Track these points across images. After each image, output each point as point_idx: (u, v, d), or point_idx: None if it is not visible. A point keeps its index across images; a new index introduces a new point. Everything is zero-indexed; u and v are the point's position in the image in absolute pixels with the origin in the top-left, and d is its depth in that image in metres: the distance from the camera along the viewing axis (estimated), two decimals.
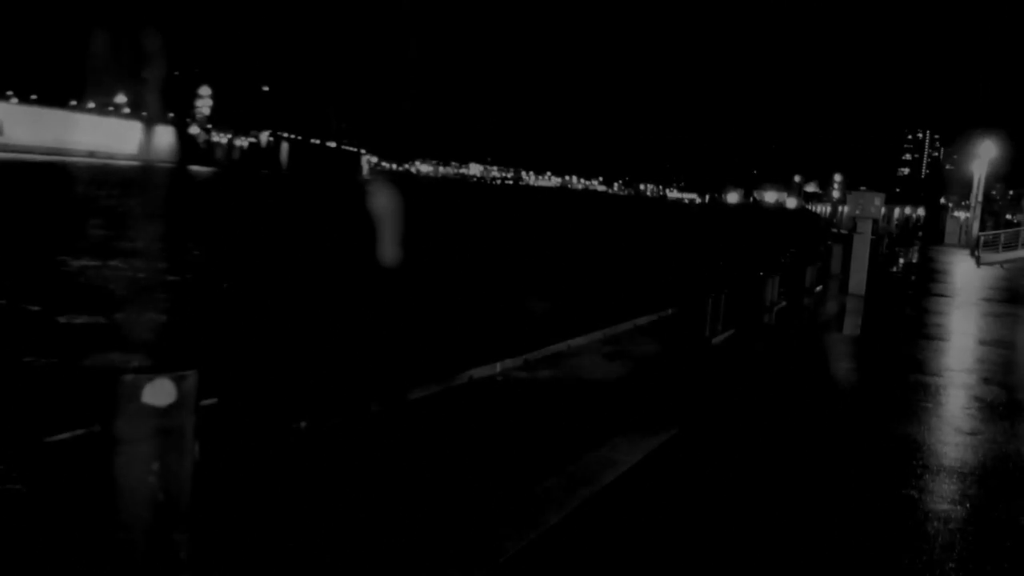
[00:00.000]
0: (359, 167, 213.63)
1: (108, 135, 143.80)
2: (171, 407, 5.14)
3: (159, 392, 5.09)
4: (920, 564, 7.01)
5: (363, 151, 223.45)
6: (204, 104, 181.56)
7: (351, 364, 14.04)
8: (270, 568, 6.02)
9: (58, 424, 6.70)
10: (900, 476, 9.23)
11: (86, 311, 22.26)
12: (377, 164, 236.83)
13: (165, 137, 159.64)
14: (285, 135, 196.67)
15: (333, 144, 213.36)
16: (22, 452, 7.19)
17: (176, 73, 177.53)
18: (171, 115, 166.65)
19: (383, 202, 10.76)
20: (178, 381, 5.22)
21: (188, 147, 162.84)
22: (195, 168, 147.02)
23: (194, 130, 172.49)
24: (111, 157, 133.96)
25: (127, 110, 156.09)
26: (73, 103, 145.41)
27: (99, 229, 42.05)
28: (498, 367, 12.50)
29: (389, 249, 8.95)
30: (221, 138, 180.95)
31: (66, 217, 46.63)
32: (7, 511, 5.70)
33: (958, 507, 8.41)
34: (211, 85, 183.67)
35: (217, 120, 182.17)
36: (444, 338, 18.38)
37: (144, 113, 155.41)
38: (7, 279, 26.00)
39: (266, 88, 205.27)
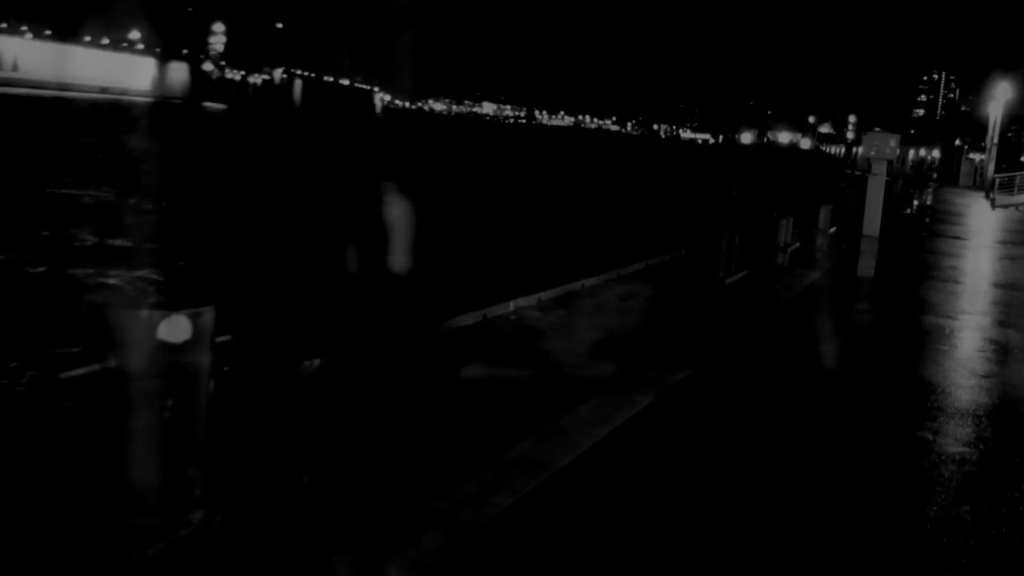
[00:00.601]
0: (372, 105, 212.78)
1: (122, 71, 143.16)
2: (186, 344, 5.13)
3: (175, 329, 5.08)
4: (935, 506, 7.01)
5: (376, 88, 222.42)
6: (218, 40, 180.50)
7: (367, 303, 14.04)
8: (282, 504, 6.04)
9: (71, 359, 6.69)
10: (914, 418, 9.21)
11: (93, 249, 22.29)
12: (390, 102, 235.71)
13: (178, 73, 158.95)
14: (298, 72, 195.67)
15: (346, 82, 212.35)
16: (35, 387, 7.20)
17: (190, 9, 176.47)
18: (185, 51, 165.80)
19: (398, 213, 10.82)
20: (194, 318, 5.20)
21: (201, 83, 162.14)
22: (208, 104, 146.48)
23: (207, 66, 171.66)
24: (124, 93, 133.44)
25: (141, 46, 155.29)
26: (87, 39, 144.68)
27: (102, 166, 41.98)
28: (511, 306, 12.48)
29: (400, 256, 9.03)
30: (234, 75, 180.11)
31: (71, 151, 46.50)
32: (20, 447, 5.71)
33: (973, 449, 8.39)
34: (225, 22, 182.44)
35: (230, 57, 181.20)
36: (458, 276, 18.36)
37: (158, 49, 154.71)
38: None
39: (280, 25, 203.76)
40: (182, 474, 5.26)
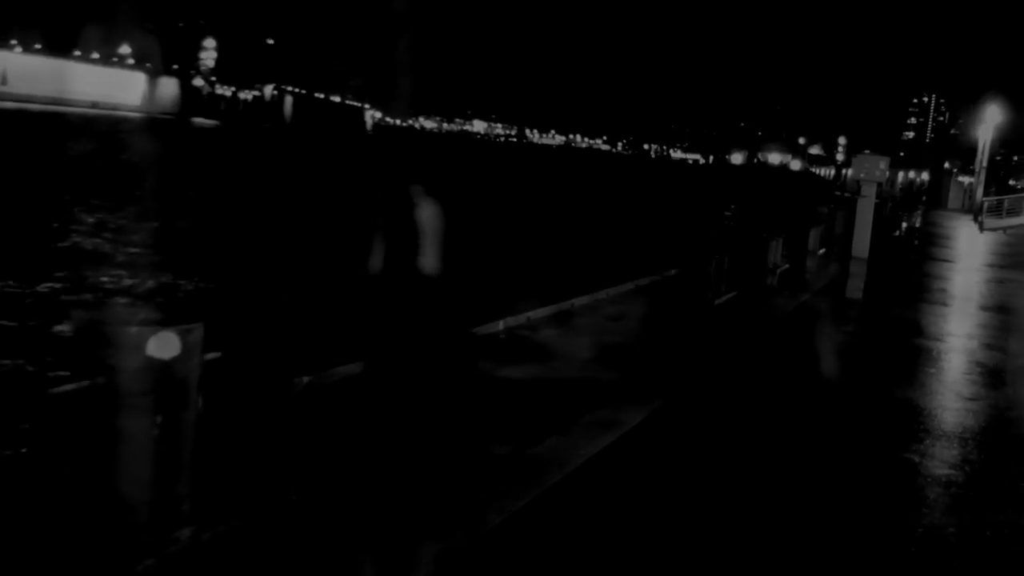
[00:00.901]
0: (362, 122, 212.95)
1: (112, 86, 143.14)
2: (175, 360, 5.14)
3: (164, 345, 5.09)
4: (921, 528, 7.03)
5: (367, 106, 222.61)
6: (208, 56, 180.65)
7: (360, 319, 14.02)
8: (272, 520, 6.04)
9: (61, 376, 6.70)
10: (901, 440, 9.24)
11: (85, 263, 22.28)
12: (381, 119, 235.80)
13: (169, 89, 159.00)
14: (289, 89, 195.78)
15: (337, 99, 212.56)
16: (25, 405, 7.19)
17: (181, 25, 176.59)
18: (175, 67, 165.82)
19: (428, 216, 10.77)
20: (183, 334, 5.22)
21: (192, 99, 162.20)
22: (198, 120, 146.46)
23: (198, 82, 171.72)
24: (115, 108, 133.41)
25: (131, 61, 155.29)
26: (77, 53, 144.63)
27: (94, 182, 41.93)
28: (501, 325, 12.49)
29: (429, 261, 9.09)
30: (225, 91, 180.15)
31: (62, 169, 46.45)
32: (10, 464, 5.71)
33: (959, 472, 8.43)
34: (216, 38, 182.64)
35: (221, 73, 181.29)
36: (449, 294, 18.33)
37: (148, 64, 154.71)
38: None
39: (271, 41, 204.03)
40: (171, 491, 5.27)
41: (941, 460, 8.74)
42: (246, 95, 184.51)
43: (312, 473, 6.79)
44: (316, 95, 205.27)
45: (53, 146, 59.22)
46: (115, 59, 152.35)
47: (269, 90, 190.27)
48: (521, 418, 8.79)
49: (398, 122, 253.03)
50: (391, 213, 9.77)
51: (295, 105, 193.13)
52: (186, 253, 25.13)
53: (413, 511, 6.47)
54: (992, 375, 12.96)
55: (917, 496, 7.73)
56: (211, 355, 5.82)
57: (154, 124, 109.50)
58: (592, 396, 9.50)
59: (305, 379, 8.75)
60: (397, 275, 9.73)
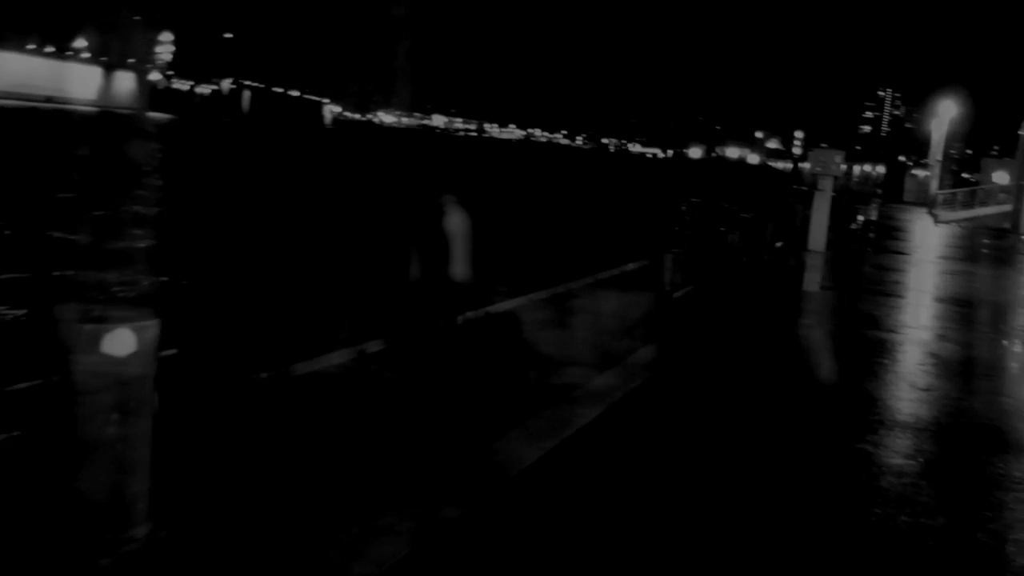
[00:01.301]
0: (321, 116, 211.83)
1: (67, 80, 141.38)
2: (130, 358, 5.11)
3: (118, 342, 5.06)
4: (874, 518, 7.12)
5: (326, 100, 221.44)
6: (165, 50, 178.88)
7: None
8: (228, 518, 6.02)
9: (16, 373, 6.65)
10: (855, 432, 9.35)
11: (46, 259, 22.02)
12: (340, 114, 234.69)
13: (125, 83, 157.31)
14: (247, 83, 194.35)
15: (296, 93, 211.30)
16: None
17: (137, 19, 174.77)
18: (131, 61, 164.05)
19: (457, 221, 10.77)
20: (138, 332, 5.19)
21: (148, 93, 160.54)
22: (155, 114, 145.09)
23: (155, 76, 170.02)
24: (69, 102, 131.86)
25: (87, 55, 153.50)
26: (31, 47, 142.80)
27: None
28: (459, 321, 12.49)
29: (461, 266, 9.15)
30: (182, 85, 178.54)
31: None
32: None
33: (912, 462, 8.54)
34: (172, 31, 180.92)
35: (178, 67, 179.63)
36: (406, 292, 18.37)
37: (104, 58, 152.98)
38: None
39: (229, 35, 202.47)
40: (128, 489, 5.24)
41: (894, 450, 8.84)
42: (204, 89, 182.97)
43: (277, 464, 6.78)
44: (274, 89, 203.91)
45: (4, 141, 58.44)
46: (70, 53, 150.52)
47: (227, 84, 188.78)
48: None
49: (358, 116, 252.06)
50: (423, 220, 9.95)
51: (253, 100, 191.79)
52: (160, 250, 24.89)
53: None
54: (945, 365, 13.13)
55: (871, 486, 7.83)
56: (167, 351, 5.80)
57: (109, 118, 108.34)
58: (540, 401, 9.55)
59: (264, 375, 8.75)
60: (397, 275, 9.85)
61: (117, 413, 5.11)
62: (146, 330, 5.22)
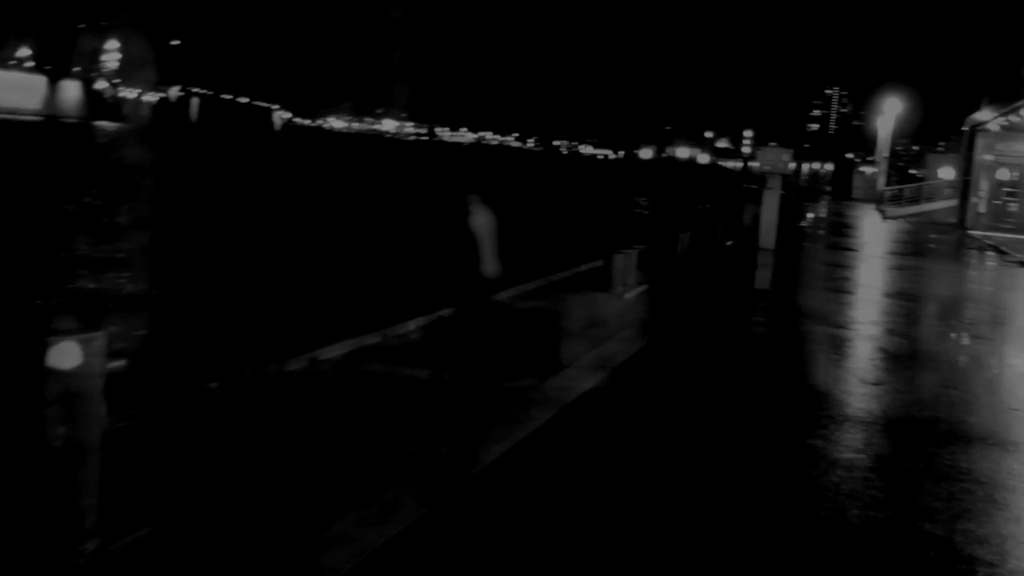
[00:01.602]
0: (271, 122, 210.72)
1: (10, 89, 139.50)
2: (77, 371, 5.06)
3: (64, 355, 5.01)
4: (824, 512, 7.19)
5: (275, 107, 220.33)
6: (111, 59, 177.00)
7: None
8: (176, 532, 5.97)
9: None
10: (806, 428, 9.43)
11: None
12: (290, 120, 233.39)
13: (71, 92, 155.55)
14: (195, 90, 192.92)
15: (245, 99, 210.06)
16: None
17: (82, 27, 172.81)
18: (77, 69, 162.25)
19: (483, 219, 10.75)
20: (85, 344, 5.14)
21: (95, 102, 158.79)
22: (102, 123, 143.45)
23: (101, 85, 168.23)
24: (13, 112, 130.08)
25: (30, 64, 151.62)
26: None
27: None
28: (411, 325, 12.49)
29: (491, 264, 9.16)
30: (129, 93, 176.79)
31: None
32: None
33: (862, 456, 8.63)
34: (118, 39, 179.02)
35: (125, 75, 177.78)
36: (360, 297, 18.39)
37: (48, 67, 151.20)
38: None
39: (176, 42, 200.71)
40: (76, 503, 5.18)
41: (845, 445, 8.93)
42: (151, 97, 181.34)
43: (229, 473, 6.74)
44: (223, 96, 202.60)
45: None
46: (12, 62, 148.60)
47: (175, 92, 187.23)
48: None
49: (308, 122, 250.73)
50: (452, 219, 10.01)
51: (202, 107, 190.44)
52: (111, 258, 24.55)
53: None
54: (894, 360, 13.28)
55: (820, 481, 7.90)
56: (115, 364, 5.74)
57: (55, 127, 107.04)
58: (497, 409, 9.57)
59: (213, 384, 8.68)
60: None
61: (63, 427, 5.06)
62: (93, 342, 5.17)
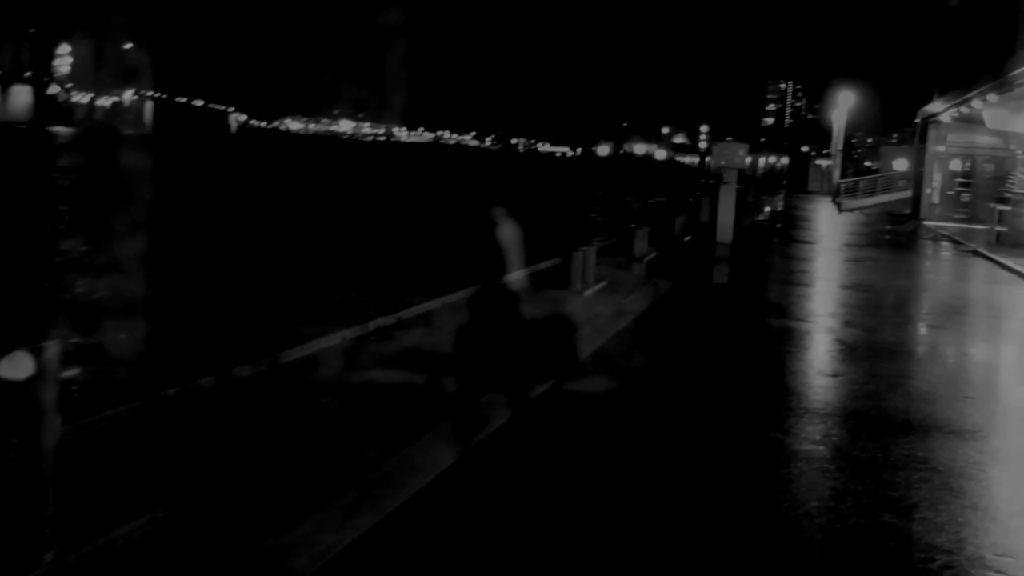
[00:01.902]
0: (227, 125, 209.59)
1: None
2: (29, 381, 5.00)
3: (16, 366, 4.95)
4: (786, 504, 7.24)
5: (231, 109, 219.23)
6: (63, 63, 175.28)
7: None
8: (137, 540, 5.92)
9: None
10: (766, 421, 9.48)
11: None
12: (246, 122, 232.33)
13: (22, 97, 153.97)
14: (149, 94, 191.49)
15: (200, 102, 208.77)
16: None
17: (32, 31, 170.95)
18: (28, 74, 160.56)
19: (509, 232, 10.79)
20: (37, 354, 5.08)
21: (47, 107, 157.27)
22: (55, 128, 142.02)
23: (53, 89, 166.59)
24: None
25: None
26: None
27: None
28: (371, 326, 12.48)
29: (515, 273, 9.21)
30: (82, 97, 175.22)
31: None
32: None
33: (821, 447, 8.69)
34: (70, 43, 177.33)
35: (78, 79, 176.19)
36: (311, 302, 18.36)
37: None
38: None
39: (129, 46, 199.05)
40: (32, 514, 5.13)
41: (804, 437, 9.00)
42: (105, 101, 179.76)
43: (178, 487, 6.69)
44: (178, 99, 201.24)
45: None
46: None
47: (129, 96, 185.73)
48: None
49: (264, 124, 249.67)
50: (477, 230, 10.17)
51: (156, 110, 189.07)
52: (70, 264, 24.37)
53: None
54: (852, 351, 13.39)
55: (780, 473, 7.96)
56: (69, 372, 5.68)
57: (5, 133, 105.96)
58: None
59: (171, 391, 8.62)
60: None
61: (17, 438, 5.00)
62: (45, 351, 5.11)
